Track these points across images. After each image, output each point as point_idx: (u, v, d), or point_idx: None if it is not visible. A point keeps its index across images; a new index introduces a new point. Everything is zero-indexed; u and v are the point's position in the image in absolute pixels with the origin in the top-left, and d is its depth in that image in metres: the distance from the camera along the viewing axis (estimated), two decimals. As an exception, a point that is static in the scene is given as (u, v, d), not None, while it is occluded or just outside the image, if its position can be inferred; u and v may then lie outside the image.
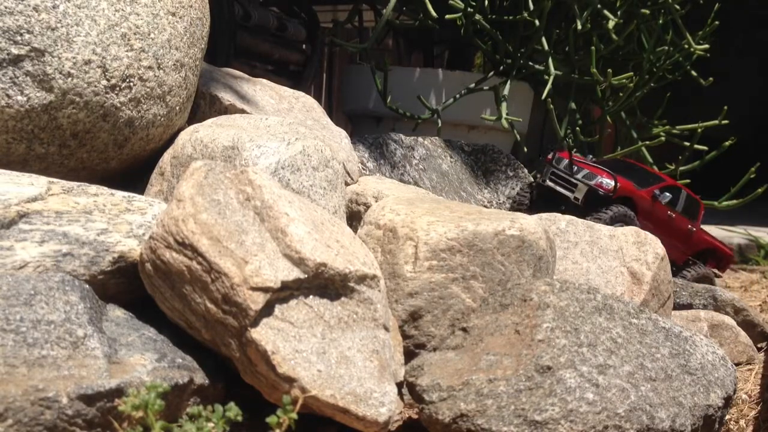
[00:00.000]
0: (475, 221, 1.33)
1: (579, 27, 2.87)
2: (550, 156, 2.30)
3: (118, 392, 0.96)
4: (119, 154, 1.49)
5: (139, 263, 1.15)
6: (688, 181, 3.07)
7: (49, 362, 0.96)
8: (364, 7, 3.58)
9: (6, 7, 1.30)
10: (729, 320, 1.83)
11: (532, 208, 2.27)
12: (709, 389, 1.17)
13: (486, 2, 2.90)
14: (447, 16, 2.84)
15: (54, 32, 1.34)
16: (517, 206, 2.30)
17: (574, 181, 2.19)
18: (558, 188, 2.23)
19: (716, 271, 2.53)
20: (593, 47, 2.85)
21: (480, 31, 2.99)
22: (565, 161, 2.23)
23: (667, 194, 2.24)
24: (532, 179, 2.37)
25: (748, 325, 1.91)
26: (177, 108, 1.55)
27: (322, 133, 1.85)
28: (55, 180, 1.25)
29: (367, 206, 1.73)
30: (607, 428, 1.04)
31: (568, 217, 1.72)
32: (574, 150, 2.40)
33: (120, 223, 1.20)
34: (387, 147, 2.33)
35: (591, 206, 2.14)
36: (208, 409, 0.95)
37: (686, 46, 3.12)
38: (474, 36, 3.01)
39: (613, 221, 2.07)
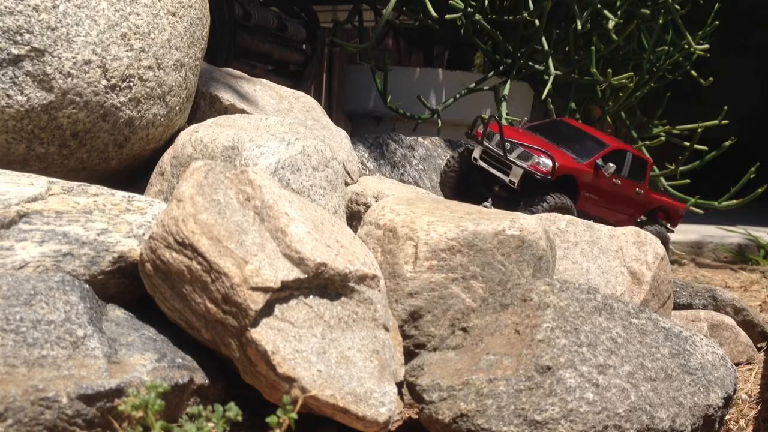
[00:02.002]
0: (475, 221, 1.33)
1: (579, 27, 2.87)
2: (480, 131, 2.06)
3: (118, 392, 0.96)
4: (119, 154, 1.49)
5: (139, 263, 1.15)
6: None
7: (49, 362, 0.96)
8: (364, 7, 3.58)
9: (6, 7, 1.30)
10: (729, 320, 1.83)
11: (463, 185, 2.09)
12: (709, 389, 1.17)
13: (486, 2, 2.90)
14: (447, 16, 2.84)
15: (54, 32, 1.34)
16: (445, 179, 2.11)
17: (508, 162, 1.98)
18: (491, 169, 2.01)
19: (668, 225, 2.40)
20: (593, 47, 2.85)
21: (480, 31, 2.99)
22: (497, 137, 2.00)
23: (611, 165, 2.05)
24: (460, 152, 2.15)
25: (748, 325, 1.91)
26: (177, 108, 1.55)
27: (322, 133, 1.85)
28: (55, 180, 1.25)
29: (367, 206, 1.73)
30: (607, 428, 1.04)
31: (568, 217, 1.72)
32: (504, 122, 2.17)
33: (120, 223, 1.20)
34: (387, 147, 2.34)
35: (528, 189, 1.95)
36: (208, 409, 0.95)
37: (686, 46, 3.12)
38: (474, 36, 3.02)
39: (549, 212, 1.89)
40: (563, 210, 1.91)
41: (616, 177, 2.09)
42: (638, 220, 2.28)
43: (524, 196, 1.94)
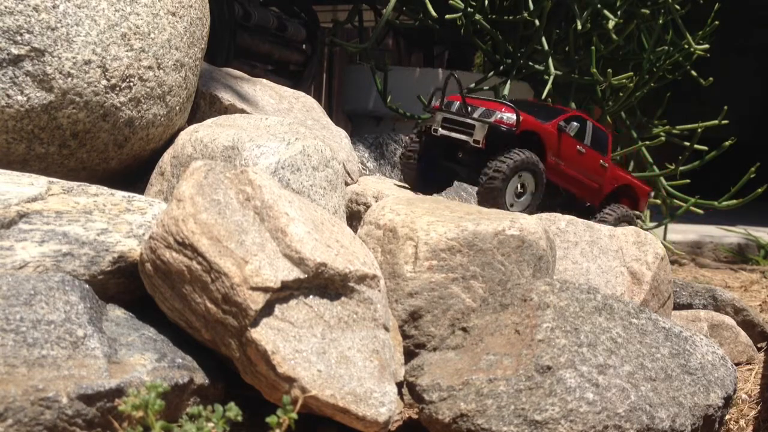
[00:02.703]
0: (475, 221, 1.33)
1: (579, 27, 2.87)
2: (438, 103, 1.96)
3: (118, 392, 0.96)
4: (119, 154, 1.49)
5: (139, 263, 1.15)
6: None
7: (49, 362, 0.96)
8: (364, 7, 3.58)
9: (6, 7, 1.30)
10: (729, 320, 1.83)
11: (424, 164, 1.98)
12: (709, 389, 1.17)
13: (486, 2, 2.90)
14: (447, 16, 2.84)
15: (54, 32, 1.34)
16: (405, 161, 1.99)
17: (471, 122, 1.87)
18: (453, 135, 1.90)
19: (634, 212, 2.25)
20: (593, 47, 2.85)
21: (480, 31, 2.99)
22: (457, 104, 1.90)
23: (575, 123, 1.96)
24: (418, 130, 2.01)
25: (748, 325, 1.91)
26: (177, 108, 1.55)
27: (322, 133, 1.85)
28: (55, 180, 1.25)
29: (367, 206, 1.73)
30: (607, 428, 1.04)
31: (568, 217, 1.72)
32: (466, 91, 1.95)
33: (120, 223, 1.20)
34: (387, 147, 2.34)
35: (493, 147, 1.84)
36: (208, 409, 0.95)
37: (686, 46, 3.12)
38: (474, 36, 3.01)
39: (515, 170, 1.81)
40: (531, 166, 1.83)
41: (580, 144, 2.01)
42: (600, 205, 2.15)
43: (489, 155, 1.85)
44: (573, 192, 2.03)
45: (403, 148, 2.02)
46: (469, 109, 1.89)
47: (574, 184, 2.03)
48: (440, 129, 1.92)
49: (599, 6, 2.91)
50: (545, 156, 1.92)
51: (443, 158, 1.98)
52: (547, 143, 1.92)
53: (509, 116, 1.84)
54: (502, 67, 3.11)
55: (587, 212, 2.05)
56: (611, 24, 2.87)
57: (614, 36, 2.89)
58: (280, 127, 1.55)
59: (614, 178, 2.14)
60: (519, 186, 1.83)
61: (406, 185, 1.96)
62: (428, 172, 1.98)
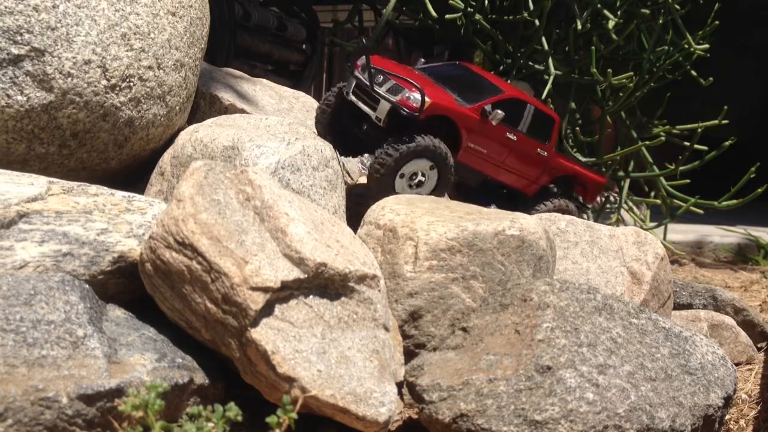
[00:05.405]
0: (475, 221, 1.33)
1: (579, 27, 2.87)
2: (359, 62, 1.76)
3: (118, 392, 0.96)
4: (119, 154, 1.49)
5: (139, 263, 1.15)
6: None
7: (49, 362, 0.96)
8: (364, 7, 3.59)
9: (6, 7, 1.30)
10: (729, 320, 1.83)
11: (336, 124, 1.80)
12: (709, 389, 1.17)
13: (486, 2, 2.90)
14: (447, 16, 2.84)
15: (54, 32, 1.34)
16: (319, 114, 1.80)
17: (376, 95, 1.68)
18: (360, 104, 1.72)
19: (581, 198, 2.12)
20: (593, 47, 2.85)
21: (480, 31, 2.99)
22: (373, 69, 1.71)
23: (500, 111, 1.76)
24: (338, 86, 1.82)
25: (748, 325, 1.91)
26: (177, 108, 1.55)
27: (322, 133, 1.85)
28: (55, 180, 1.25)
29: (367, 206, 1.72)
30: (607, 428, 1.04)
31: (568, 217, 1.72)
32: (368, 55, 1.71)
33: (120, 223, 1.20)
34: (387, 147, 2.33)
35: (397, 129, 1.67)
36: (208, 409, 0.95)
37: (686, 46, 3.12)
38: (474, 36, 3.02)
39: (406, 156, 1.63)
40: (434, 155, 1.66)
41: (510, 130, 1.84)
42: (557, 191, 2.04)
43: (392, 136, 1.68)
44: (500, 180, 1.91)
45: (322, 101, 1.85)
46: (381, 78, 1.70)
47: (500, 172, 1.89)
48: (351, 94, 1.74)
49: (599, 6, 2.91)
50: (460, 141, 1.75)
51: (353, 125, 1.80)
52: (462, 128, 1.75)
53: (415, 97, 1.65)
54: (502, 67, 3.11)
55: (522, 202, 1.93)
56: (611, 24, 2.87)
57: (614, 36, 2.89)
58: (280, 127, 1.55)
59: (555, 167, 1.99)
60: (417, 174, 1.68)
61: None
62: (342, 136, 1.81)
